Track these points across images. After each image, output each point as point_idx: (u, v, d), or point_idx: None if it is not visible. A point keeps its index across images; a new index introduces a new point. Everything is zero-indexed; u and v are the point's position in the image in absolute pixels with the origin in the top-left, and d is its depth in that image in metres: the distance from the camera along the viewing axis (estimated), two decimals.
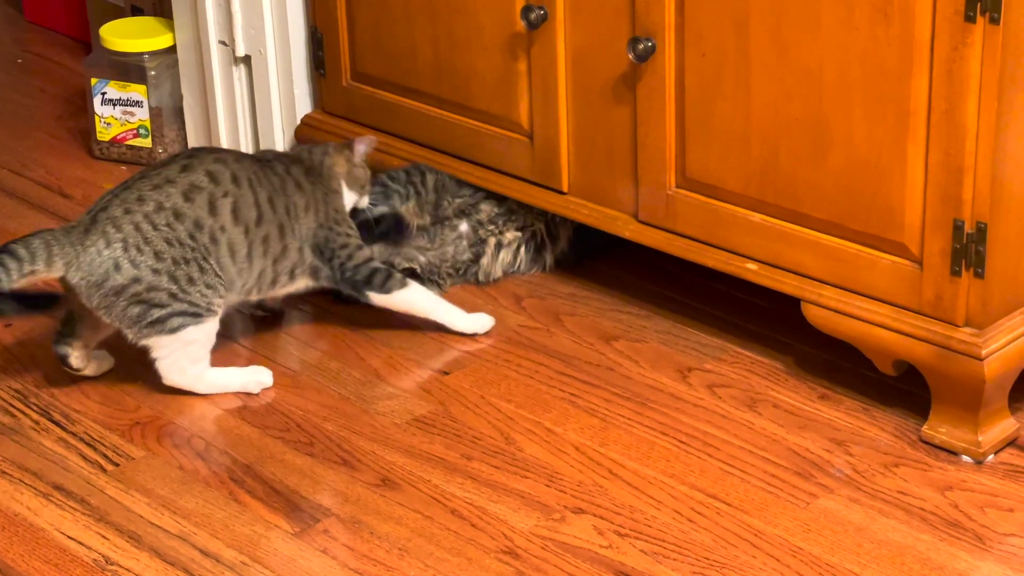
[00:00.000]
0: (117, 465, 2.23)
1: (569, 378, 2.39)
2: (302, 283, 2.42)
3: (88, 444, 2.28)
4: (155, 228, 2.26)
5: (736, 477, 2.17)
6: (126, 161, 3.07)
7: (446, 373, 2.42)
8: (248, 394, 2.36)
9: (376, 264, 2.43)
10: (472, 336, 2.48)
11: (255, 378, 2.37)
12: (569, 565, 2.03)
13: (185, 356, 2.32)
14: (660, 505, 2.12)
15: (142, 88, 3.02)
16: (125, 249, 2.25)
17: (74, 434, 2.30)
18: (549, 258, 2.64)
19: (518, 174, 2.56)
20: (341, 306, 2.57)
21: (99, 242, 2.24)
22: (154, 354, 2.31)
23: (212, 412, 2.34)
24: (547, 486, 2.16)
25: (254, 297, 2.39)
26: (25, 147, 3.14)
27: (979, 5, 1.99)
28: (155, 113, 3.04)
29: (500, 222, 2.61)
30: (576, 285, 2.62)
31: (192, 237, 2.27)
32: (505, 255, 2.63)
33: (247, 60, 2.90)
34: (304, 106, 2.87)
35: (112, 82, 3.02)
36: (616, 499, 2.14)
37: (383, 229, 2.55)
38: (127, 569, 2.04)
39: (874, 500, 2.12)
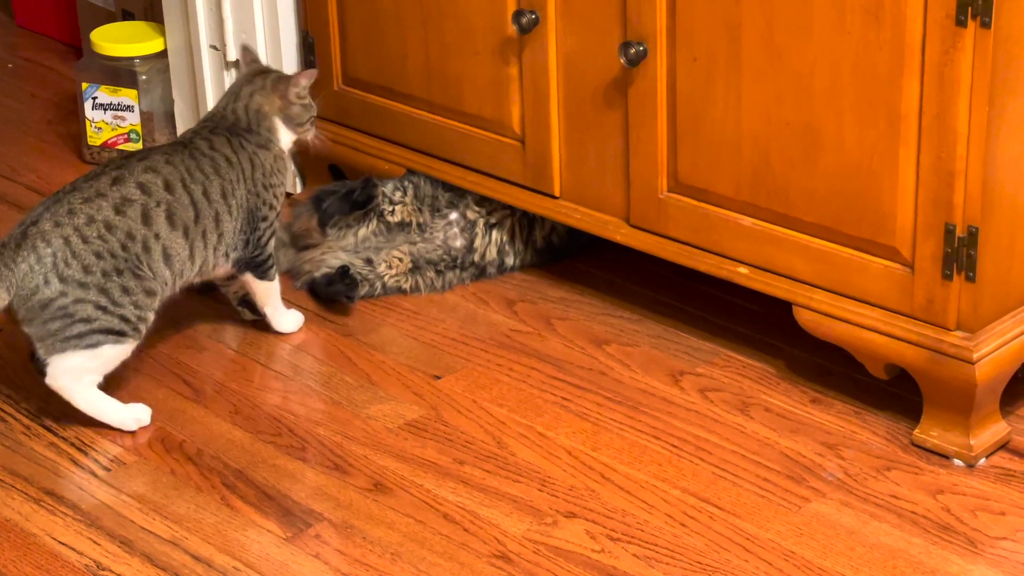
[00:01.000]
0: (108, 470, 2.23)
1: (561, 382, 2.39)
2: (221, 270, 2.42)
3: (79, 449, 2.27)
4: (85, 241, 2.23)
5: (728, 481, 2.17)
6: None
7: (438, 377, 2.42)
8: (124, 431, 2.30)
9: (271, 253, 2.44)
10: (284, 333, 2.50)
11: (133, 415, 2.31)
12: (561, 570, 2.02)
13: (83, 369, 2.26)
14: (652, 509, 2.12)
15: (133, 93, 3.01)
16: (54, 264, 2.22)
17: (65, 439, 2.30)
18: (539, 237, 2.64)
19: (510, 178, 2.56)
20: (333, 311, 2.57)
21: (30, 257, 2.22)
22: (55, 362, 2.24)
23: (203, 417, 2.34)
24: (539, 490, 2.16)
25: (196, 281, 2.39)
26: (16, 152, 3.13)
27: (970, 9, 1.99)
28: (146, 118, 3.04)
29: (487, 205, 2.62)
30: (567, 289, 2.62)
31: (124, 248, 2.25)
32: (497, 235, 2.62)
33: (238, 65, 2.90)
34: None
35: (103, 87, 3.02)
36: (608, 503, 2.14)
37: (332, 282, 2.55)
38: (119, 574, 2.03)
39: (866, 504, 2.12)
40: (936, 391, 2.18)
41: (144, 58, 3.01)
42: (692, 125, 2.32)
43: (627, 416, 2.31)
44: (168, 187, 2.30)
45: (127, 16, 3.25)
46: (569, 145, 2.48)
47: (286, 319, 2.51)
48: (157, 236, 2.28)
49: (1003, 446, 2.21)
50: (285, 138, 2.46)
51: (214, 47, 2.91)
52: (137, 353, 2.46)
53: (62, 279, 2.22)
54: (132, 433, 2.30)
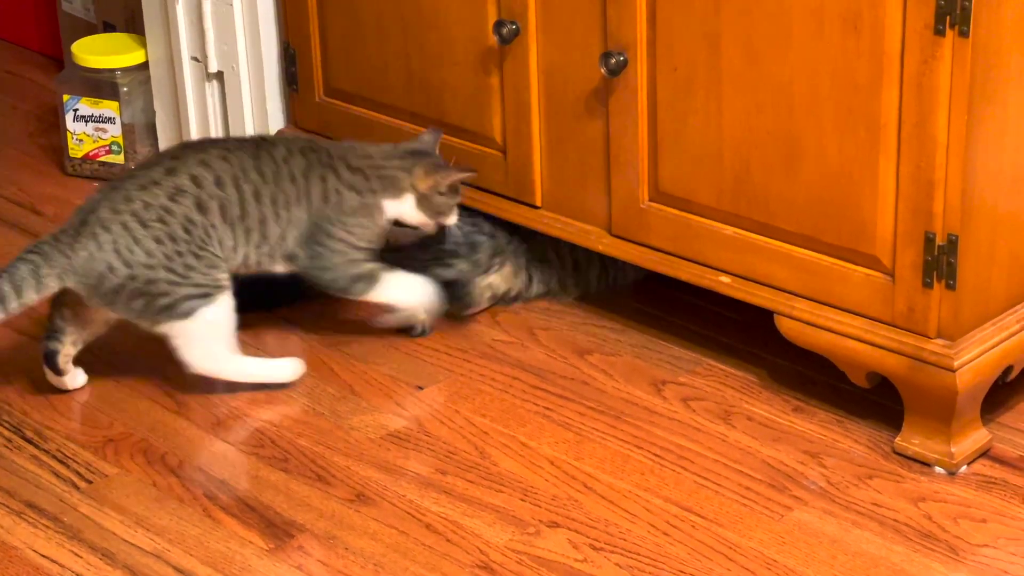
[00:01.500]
0: (90, 482, 2.22)
1: (543, 392, 2.40)
2: (279, 267, 2.42)
3: (61, 461, 2.27)
4: (144, 226, 2.27)
5: (710, 490, 2.17)
6: (99, 177, 3.06)
7: (420, 388, 2.42)
8: (277, 384, 2.38)
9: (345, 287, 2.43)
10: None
11: (291, 369, 2.38)
12: None
13: (208, 339, 2.31)
14: (635, 519, 2.12)
15: (114, 105, 3.01)
16: (116, 251, 2.26)
17: (47, 451, 2.29)
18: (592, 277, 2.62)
19: (491, 189, 2.57)
20: (315, 321, 2.57)
21: (90, 244, 2.25)
22: (174, 342, 2.31)
23: (186, 428, 2.33)
24: (522, 500, 2.16)
25: (242, 272, 2.38)
26: None
27: (948, 18, 2.00)
28: (127, 129, 3.03)
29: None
30: (550, 299, 2.62)
31: (187, 231, 2.28)
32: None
33: (219, 76, 2.90)
34: (277, 122, 2.87)
35: (84, 99, 3.02)
36: (591, 513, 2.14)
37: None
38: None
39: (848, 512, 2.12)
40: (917, 399, 2.19)
41: (125, 70, 3.01)
42: (673, 135, 2.32)
43: (609, 425, 2.31)
44: (219, 183, 2.31)
45: (108, 28, 3.24)
46: (550, 155, 2.48)
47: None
48: (213, 226, 2.30)
49: (984, 453, 2.22)
50: (407, 215, 2.43)
51: (195, 59, 2.91)
52: (119, 364, 2.46)
53: (127, 264, 2.25)
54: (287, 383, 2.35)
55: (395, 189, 2.42)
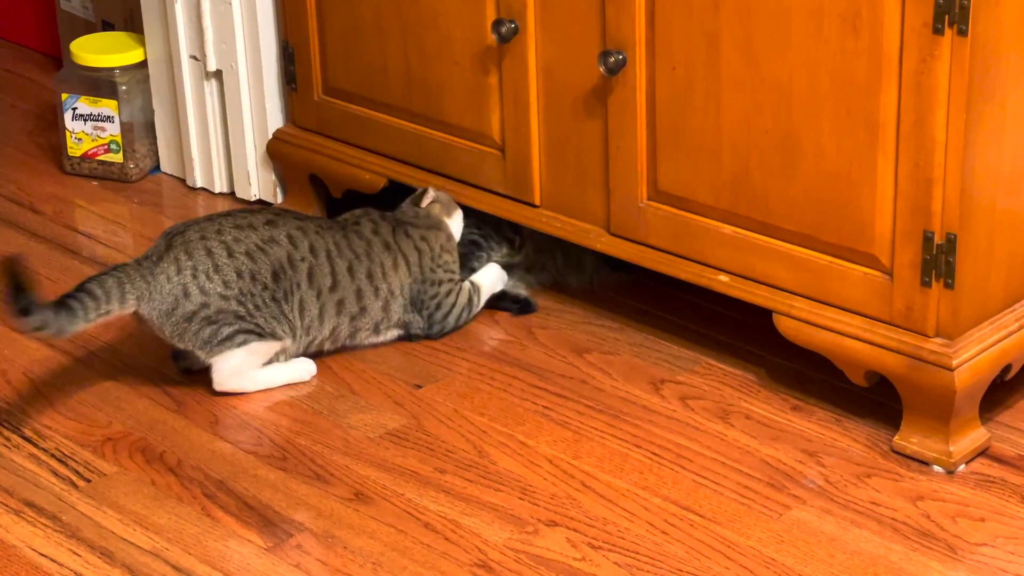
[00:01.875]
0: (89, 481, 2.22)
1: (542, 391, 2.40)
2: (391, 335, 2.47)
3: (59, 460, 2.27)
4: (230, 255, 2.29)
5: (709, 489, 2.17)
6: (97, 176, 3.06)
7: (419, 387, 2.42)
8: (299, 384, 2.40)
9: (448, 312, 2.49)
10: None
11: (304, 369, 2.41)
12: None
13: (245, 365, 2.35)
14: (633, 517, 2.12)
15: (113, 103, 3.01)
16: (195, 276, 2.28)
17: (45, 450, 2.29)
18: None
19: (490, 187, 2.57)
20: None
21: (169, 268, 2.28)
22: (217, 366, 2.34)
23: (184, 427, 2.33)
24: (520, 499, 2.16)
25: (327, 348, 2.43)
26: None
27: (947, 17, 2.00)
28: (126, 128, 3.03)
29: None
30: (548, 298, 2.62)
31: (275, 278, 2.31)
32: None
33: (218, 75, 2.90)
34: (276, 121, 2.87)
35: (83, 97, 3.02)
36: (589, 512, 2.14)
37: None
38: None
39: (846, 511, 2.12)
40: (916, 398, 2.19)
41: (124, 68, 3.01)
42: (672, 134, 2.32)
43: (608, 424, 2.31)
44: (313, 250, 2.36)
45: (107, 27, 3.24)
46: (549, 154, 2.48)
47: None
48: (299, 285, 2.33)
49: (982, 452, 2.22)
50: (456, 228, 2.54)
51: (194, 57, 2.91)
52: (117, 363, 2.46)
53: (203, 291, 2.28)
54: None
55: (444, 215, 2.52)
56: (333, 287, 2.37)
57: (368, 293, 2.40)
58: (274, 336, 2.34)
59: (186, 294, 2.28)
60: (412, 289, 2.45)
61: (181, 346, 2.33)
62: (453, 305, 2.49)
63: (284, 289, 2.32)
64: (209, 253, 2.29)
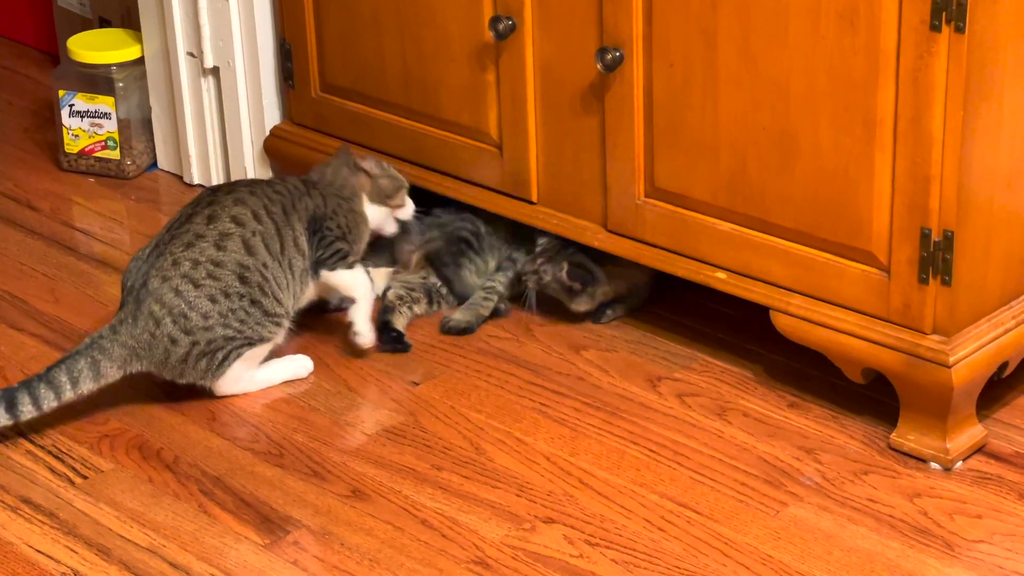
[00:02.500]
0: (85, 478, 2.22)
1: (539, 388, 2.40)
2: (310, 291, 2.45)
3: (56, 457, 2.27)
4: (196, 286, 2.28)
5: (706, 486, 2.17)
6: (94, 173, 3.06)
7: (416, 384, 2.42)
8: (296, 380, 2.41)
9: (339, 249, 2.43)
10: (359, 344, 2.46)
11: (301, 366, 2.41)
12: (540, 575, 2.03)
13: (242, 372, 2.35)
14: (630, 514, 2.12)
15: (110, 100, 3.01)
16: (175, 321, 2.28)
17: (42, 447, 2.29)
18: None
19: (488, 184, 2.57)
20: (310, 318, 2.56)
21: (149, 324, 2.28)
22: (218, 383, 2.36)
23: (181, 424, 2.33)
24: (517, 496, 2.16)
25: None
26: None
27: (944, 14, 2.00)
28: (123, 125, 3.03)
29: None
30: (544, 297, 2.62)
31: (242, 280, 2.30)
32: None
33: (215, 71, 2.90)
34: (273, 117, 2.87)
35: (80, 94, 3.02)
36: (586, 508, 2.14)
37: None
38: None
39: (843, 508, 2.12)
40: (913, 395, 2.19)
41: (121, 65, 3.01)
42: (669, 131, 2.32)
43: (605, 421, 2.31)
44: (256, 217, 2.34)
45: (104, 23, 3.24)
46: (546, 151, 2.48)
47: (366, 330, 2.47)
48: (265, 265, 2.32)
49: (979, 449, 2.22)
50: (371, 215, 2.47)
51: (191, 54, 2.91)
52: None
53: (187, 332, 2.29)
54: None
55: (357, 198, 2.46)
56: (282, 249, 2.34)
57: (302, 238, 2.37)
58: (264, 340, 2.34)
59: (173, 341, 2.29)
60: (316, 210, 2.40)
61: (183, 382, 2.34)
62: (342, 256, 2.41)
63: (255, 283, 2.30)
64: (177, 293, 2.28)
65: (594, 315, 2.53)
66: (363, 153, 2.57)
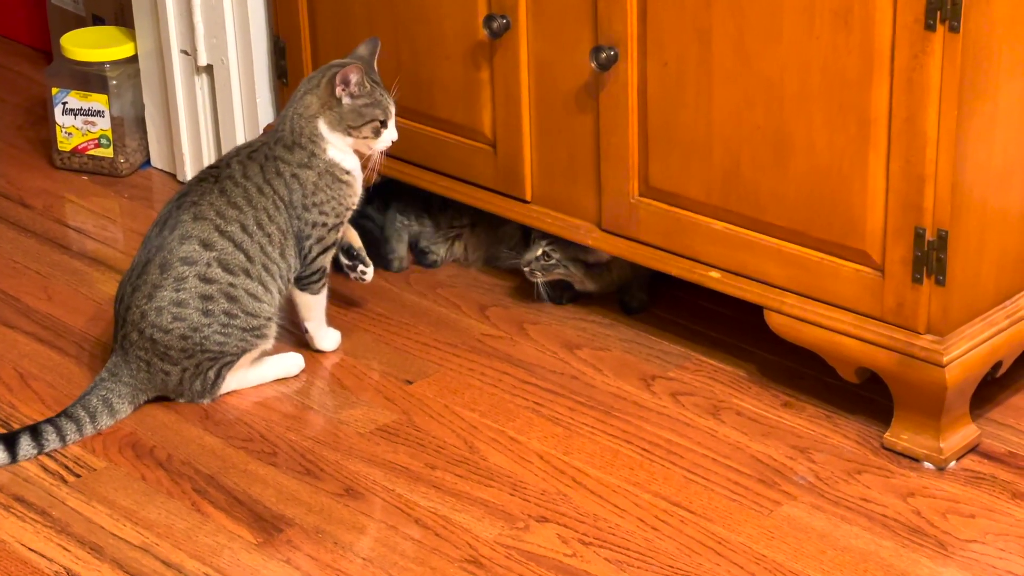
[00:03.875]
0: (78, 476, 2.22)
1: (533, 387, 2.39)
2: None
3: (48, 455, 2.26)
4: (167, 332, 2.29)
5: (700, 485, 2.17)
6: (87, 171, 3.05)
7: (410, 382, 2.41)
8: (289, 378, 2.42)
9: (320, 268, 2.42)
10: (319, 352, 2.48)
11: (293, 363, 2.42)
12: (533, 574, 2.02)
13: (234, 376, 2.37)
14: (624, 513, 2.12)
15: (103, 98, 3.00)
16: (160, 359, 2.30)
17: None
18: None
19: (481, 183, 2.56)
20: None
21: (141, 365, 2.31)
22: (218, 392, 2.37)
23: (174, 422, 2.33)
24: (511, 495, 2.16)
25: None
26: None
27: (939, 13, 2.00)
28: (116, 123, 3.03)
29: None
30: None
31: (206, 312, 2.29)
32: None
33: (209, 69, 2.89)
34: (266, 115, 2.87)
35: (73, 92, 3.01)
36: (580, 507, 2.14)
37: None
38: None
39: (837, 507, 2.12)
40: (906, 394, 2.19)
41: (115, 63, 3.01)
42: (663, 129, 2.32)
43: (599, 420, 2.31)
44: (206, 245, 2.30)
45: (97, 21, 3.24)
46: (540, 149, 2.48)
47: (327, 337, 2.48)
48: (232, 285, 2.31)
49: (973, 449, 2.22)
50: (336, 146, 2.35)
51: (185, 52, 2.90)
52: (106, 357, 2.45)
53: (174, 363, 2.31)
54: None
55: (312, 129, 2.33)
56: (249, 259, 2.32)
57: (267, 244, 2.33)
58: (250, 349, 2.34)
59: (166, 373, 2.31)
60: (295, 227, 2.36)
61: (184, 401, 2.36)
62: (322, 252, 2.40)
63: (220, 312, 2.30)
64: (152, 340, 2.29)
65: (623, 301, 2.55)
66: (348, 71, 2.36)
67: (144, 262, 2.32)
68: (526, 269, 2.52)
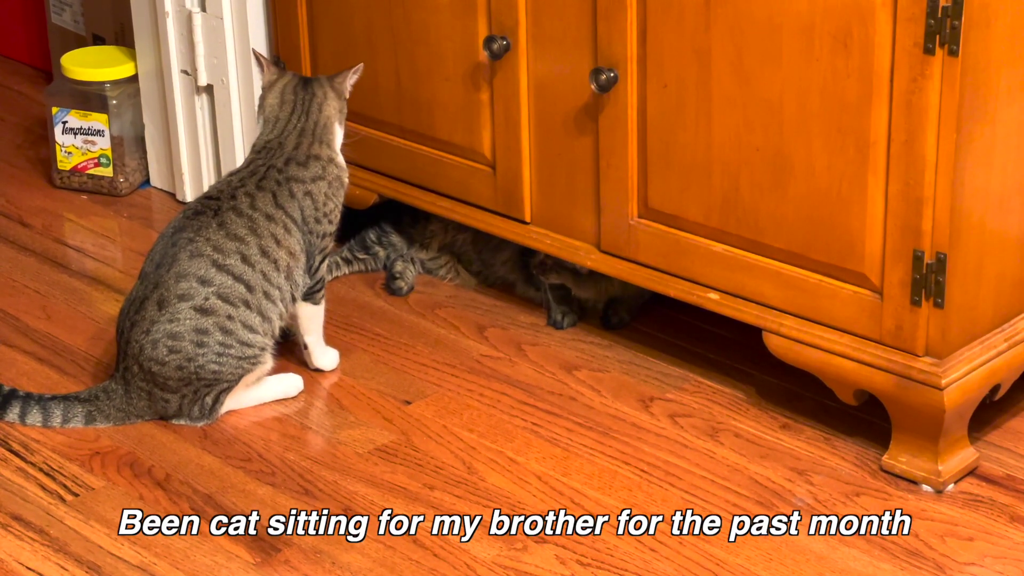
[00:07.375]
0: (77, 495, 2.22)
1: (531, 408, 2.39)
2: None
3: (47, 474, 2.26)
4: (163, 364, 2.30)
5: (698, 507, 2.17)
6: (87, 190, 3.06)
7: (408, 403, 2.42)
8: (287, 399, 2.42)
9: (323, 276, 2.44)
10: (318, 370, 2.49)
11: (291, 385, 2.42)
12: None
13: (233, 399, 2.37)
14: (622, 534, 2.12)
15: (103, 117, 3.01)
16: (163, 388, 2.31)
17: (33, 464, 2.29)
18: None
19: (481, 204, 2.57)
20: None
21: (141, 395, 2.33)
22: (218, 413, 2.38)
23: (172, 441, 2.33)
24: (509, 515, 2.16)
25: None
26: None
27: (938, 37, 2.01)
28: (116, 142, 3.03)
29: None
30: (538, 315, 2.62)
31: (199, 344, 2.29)
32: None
33: (209, 89, 2.90)
34: None
35: (73, 111, 3.02)
36: (578, 528, 2.13)
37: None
38: None
39: (835, 529, 2.12)
40: (905, 417, 2.19)
41: (115, 83, 3.01)
42: (662, 151, 2.33)
43: (597, 441, 2.31)
44: (204, 281, 2.30)
45: (98, 40, 3.24)
46: (540, 171, 2.48)
47: (326, 355, 2.48)
48: (231, 317, 2.31)
49: (971, 472, 2.22)
50: (340, 146, 2.46)
51: (185, 72, 2.91)
52: (105, 377, 2.45)
53: (172, 391, 2.32)
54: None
55: (331, 133, 2.42)
56: (249, 288, 2.32)
57: (271, 271, 2.34)
58: (246, 374, 2.34)
59: (166, 400, 2.32)
60: (304, 241, 2.37)
61: (184, 423, 2.36)
62: (323, 260, 2.43)
63: (215, 344, 2.30)
64: (149, 372, 2.30)
65: (606, 317, 2.57)
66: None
67: (142, 298, 2.32)
68: (535, 271, 2.57)
